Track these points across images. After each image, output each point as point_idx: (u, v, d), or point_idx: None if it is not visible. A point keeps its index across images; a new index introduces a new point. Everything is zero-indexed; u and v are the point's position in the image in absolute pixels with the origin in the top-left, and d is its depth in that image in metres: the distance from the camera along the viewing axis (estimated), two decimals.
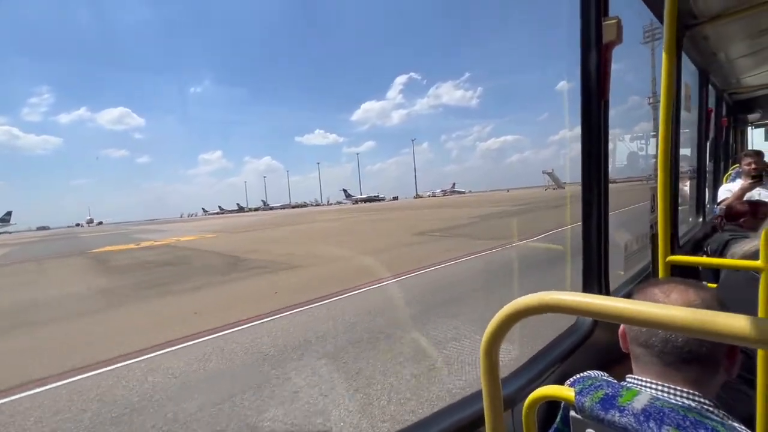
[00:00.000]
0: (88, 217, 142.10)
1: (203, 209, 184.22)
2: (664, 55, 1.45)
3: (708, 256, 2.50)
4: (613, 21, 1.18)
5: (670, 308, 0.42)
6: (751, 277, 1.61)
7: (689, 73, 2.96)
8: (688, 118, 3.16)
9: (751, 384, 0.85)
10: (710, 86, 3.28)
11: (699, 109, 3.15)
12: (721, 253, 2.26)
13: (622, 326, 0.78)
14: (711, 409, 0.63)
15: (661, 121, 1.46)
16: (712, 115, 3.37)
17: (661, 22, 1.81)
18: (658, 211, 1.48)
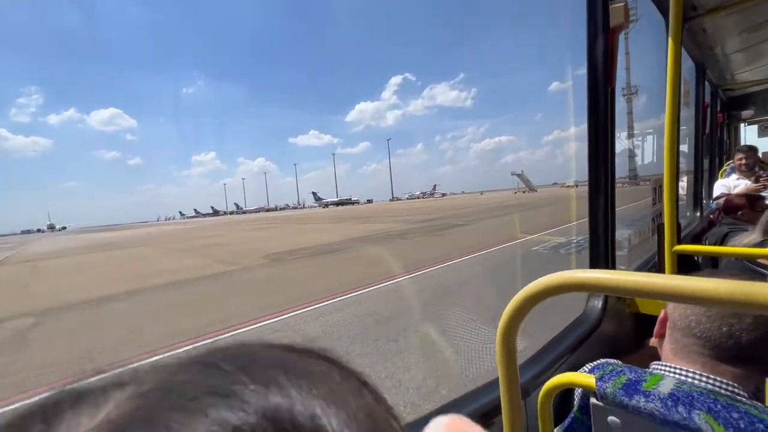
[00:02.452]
0: (48, 222, 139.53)
1: (180, 212, 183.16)
2: (669, 46, 1.43)
3: None
4: (621, 4, 1.16)
5: (710, 281, 0.39)
6: (749, 268, 1.61)
7: (685, 68, 2.97)
8: (685, 113, 3.17)
9: None
10: (706, 82, 3.29)
11: (695, 105, 3.17)
12: (720, 245, 2.26)
13: (663, 311, 0.73)
14: (744, 399, 0.60)
15: (667, 115, 1.44)
16: (708, 110, 3.39)
17: (663, 12, 1.80)
18: (665, 202, 1.47)
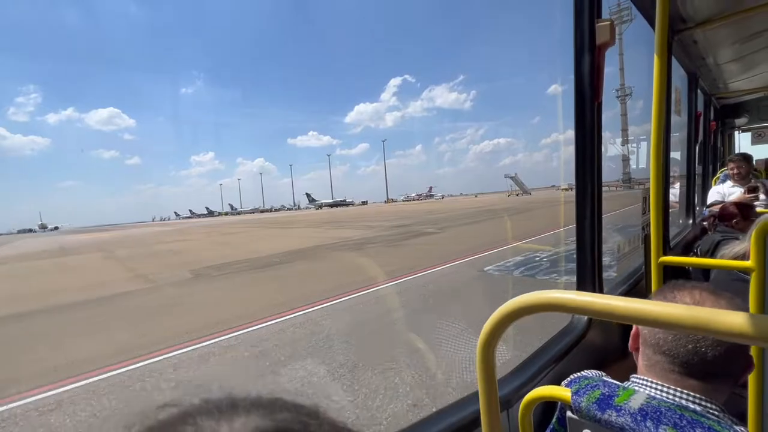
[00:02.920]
0: (40, 222, 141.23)
1: (175, 213, 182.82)
2: (655, 59, 1.46)
3: (698, 257, 2.53)
4: (607, 23, 1.19)
5: (669, 306, 0.42)
6: (739, 278, 1.63)
7: (678, 77, 3.01)
8: (678, 121, 3.21)
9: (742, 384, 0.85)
10: (699, 90, 3.33)
11: (688, 113, 3.20)
12: (712, 254, 2.29)
13: (635, 327, 0.76)
14: (716, 413, 0.62)
15: (653, 125, 1.47)
16: (701, 118, 3.43)
17: (651, 25, 1.84)
18: (651, 213, 1.49)
